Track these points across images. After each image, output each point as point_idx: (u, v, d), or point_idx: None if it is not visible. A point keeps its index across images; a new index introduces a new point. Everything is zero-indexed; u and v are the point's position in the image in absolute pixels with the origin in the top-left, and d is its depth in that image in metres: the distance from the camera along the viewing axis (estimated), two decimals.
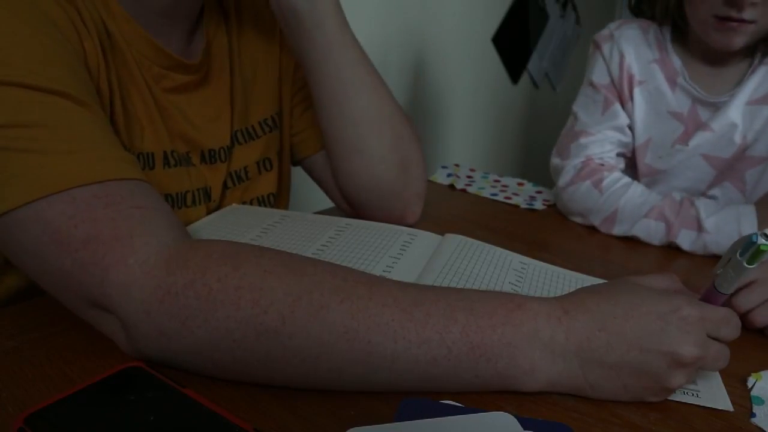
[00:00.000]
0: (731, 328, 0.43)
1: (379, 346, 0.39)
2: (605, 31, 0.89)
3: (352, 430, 0.36)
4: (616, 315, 0.41)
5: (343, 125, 0.66)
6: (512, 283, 0.56)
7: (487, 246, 0.62)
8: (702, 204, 0.76)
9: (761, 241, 0.40)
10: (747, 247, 0.41)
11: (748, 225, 0.72)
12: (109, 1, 0.54)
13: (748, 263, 0.41)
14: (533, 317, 0.41)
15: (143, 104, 0.58)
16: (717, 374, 0.47)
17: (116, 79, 0.54)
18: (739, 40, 0.75)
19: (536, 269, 0.60)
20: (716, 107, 0.82)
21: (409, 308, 0.40)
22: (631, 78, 0.85)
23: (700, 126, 0.83)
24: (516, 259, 0.61)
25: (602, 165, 0.85)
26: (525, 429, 0.36)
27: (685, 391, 0.44)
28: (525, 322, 0.40)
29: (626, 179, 0.83)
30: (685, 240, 0.76)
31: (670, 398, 0.43)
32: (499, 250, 0.61)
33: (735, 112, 0.80)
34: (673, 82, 0.84)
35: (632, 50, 0.86)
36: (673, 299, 0.42)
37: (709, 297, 0.45)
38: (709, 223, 0.74)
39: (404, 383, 0.40)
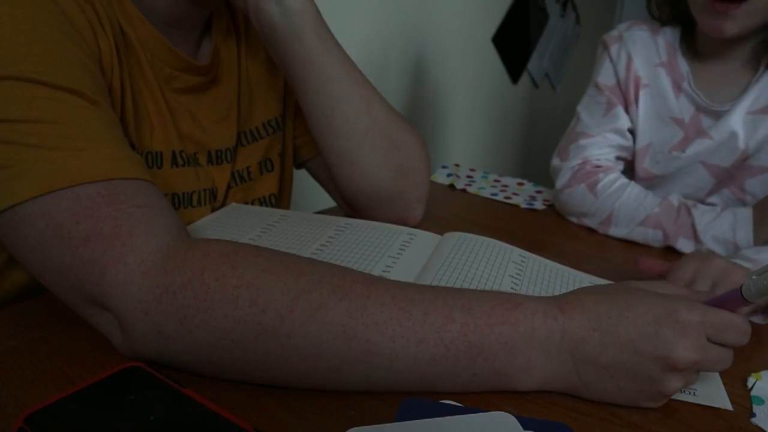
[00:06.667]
0: (738, 333, 0.41)
1: (377, 345, 0.39)
2: (614, 32, 0.88)
3: (352, 430, 0.36)
4: (611, 315, 0.41)
5: (333, 137, 0.65)
6: (512, 276, 0.56)
7: (487, 240, 0.62)
8: (699, 213, 0.75)
9: None
10: None
11: (743, 234, 0.72)
12: (124, 2, 0.55)
13: None
14: (530, 317, 0.41)
15: (154, 104, 0.58)
16: (716, 373, 0.47)
17: (129, 78, 0.55)
18: (730, 25, 0.73)
19: (536, 263, 0.60)
20: (718, 116, 0.81)
21: (408, 307, 0.40)
22: (637, 80, 0.85)
23: (701, 134, 0.82)
24: (516, 252, 0.61)
25: (599, 167, 0.85)
26: (525, 429, 0.36)
27: (683, 389, 0.44)
28: (522, 322, 0.40)
29: (622, 181, 0.82)
30: (685, 246, 0.76)
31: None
32: (498, 243, 0.61)
33: (736, 120, 0.79)
34: (678, 88, 0.83)
35: (640, 52, 0.85)
36: (671, 302, 0.41)
37: (726, 301, 0.42)
38: (705, 236, 0.73)
39: (403, 382, 0.40)
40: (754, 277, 0.41)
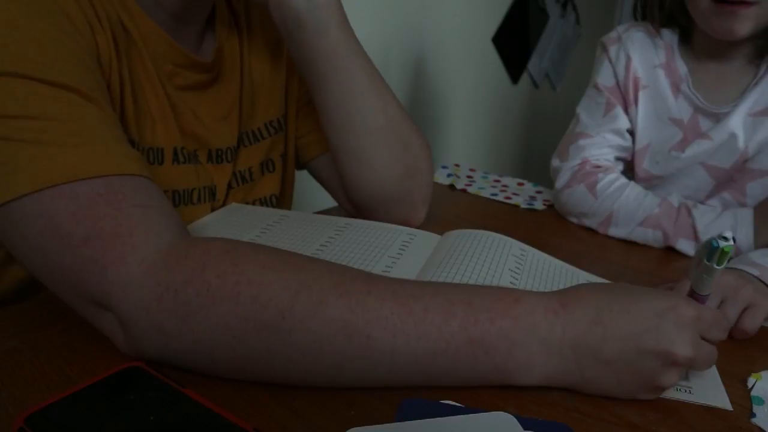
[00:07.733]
0: (721, 330, 0.43)
1: (378, 340, 0.39)
2: (613, 34, 0.88)
3: (352, 430, 0.36)
4: (613, 309, 0.41)
5: (348, 135, 0.65)
6: (512, 270, 0.56)
7: (486, 233, 0.62)
8: (699, 213, 0.75)
9: (723, 244, 0.42)
10: (712, 252, 0.43)
11: (744, 235, 0.71)
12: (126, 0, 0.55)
13: (718, 265, 0.43)
14: (531, 312, 0.41)
15: (156, 100, 0.58)
16: (714, 371, 0.47)
17: (129, 73, 0.55)
18: (741, 26, 0.72)
19: (535, 257, 0.61)
20: (718, 117, 0.80)
21: (408, 302, 0.40)
22: (636, 81, 0.85)
23: (699, 135, 0.81)
24: (516, 245, 0.61)
25: (598, 167, 0.85)
26: (525, 429, 0.36)
27: (678, 387, 0.44)
28: (523, 317, 0.41)
29: (622, 181, 0.82)
30: (686, 247, 0.75)
31: (663, 394, 0.43)
32: (498, 236, 0.61)
33: (736, 122, 0.78)
34: (676, 89, 0.83)
35: (639, 53, 0.85)
36: (670, 297, 0.42)
37: (694, 298, 0.45)
38: (705, 236, 0.73)
39: (404, 378, 0.40)
40: (692, 276, 0.45)
